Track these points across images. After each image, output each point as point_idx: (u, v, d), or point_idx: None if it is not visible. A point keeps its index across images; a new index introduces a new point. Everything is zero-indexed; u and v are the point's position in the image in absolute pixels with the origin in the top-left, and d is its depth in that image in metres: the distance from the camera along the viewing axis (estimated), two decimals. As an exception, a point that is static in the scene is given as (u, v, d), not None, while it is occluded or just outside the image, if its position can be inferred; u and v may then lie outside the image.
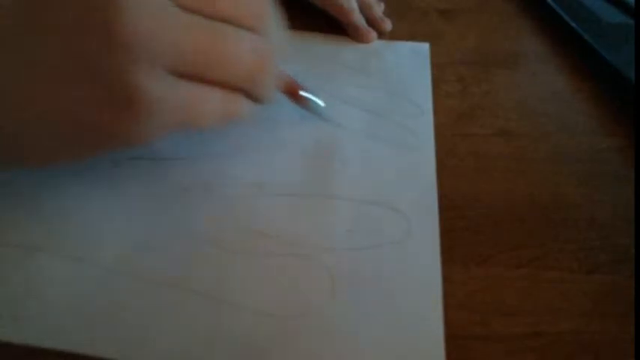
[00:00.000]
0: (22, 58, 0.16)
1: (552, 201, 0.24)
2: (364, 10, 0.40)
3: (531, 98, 0.32)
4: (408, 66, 0.35)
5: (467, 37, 0.40)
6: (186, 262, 0.20)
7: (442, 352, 0.17)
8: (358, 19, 0.38)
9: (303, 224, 0.22)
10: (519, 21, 0.44)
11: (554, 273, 0.20)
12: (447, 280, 0.20)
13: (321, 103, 0.27)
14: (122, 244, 0.20)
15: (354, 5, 0.39)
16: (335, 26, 0.39)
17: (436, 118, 0.29)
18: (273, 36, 0.20)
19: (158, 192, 0.23)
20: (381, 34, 0.39)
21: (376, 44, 0.38)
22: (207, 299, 0.18)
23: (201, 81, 0.18)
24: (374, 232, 0.21)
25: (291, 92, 0.26)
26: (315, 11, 0.39)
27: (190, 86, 0.18)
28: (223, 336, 0.17)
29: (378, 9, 0.41)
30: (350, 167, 0.25)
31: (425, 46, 0.38)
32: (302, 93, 0.26)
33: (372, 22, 0.39)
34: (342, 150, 0.26)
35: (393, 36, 0.39)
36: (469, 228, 0.22)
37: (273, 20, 0.20)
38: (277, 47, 0.21)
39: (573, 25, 0.38)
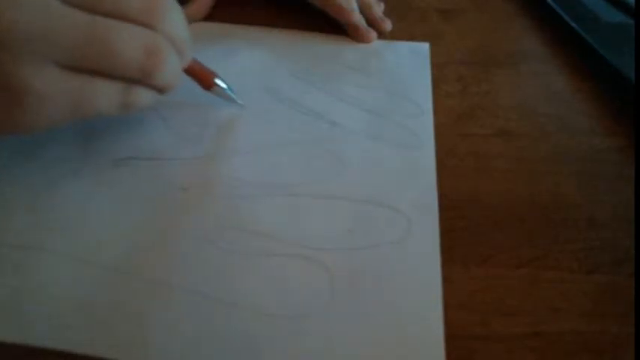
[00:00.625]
0: None
1: (552, 201, 0.24)
2: (364, 10, 0.40)
3: (531, 98, 0.32)
4: (408, 66, 0.35)
5: (467, 37, 0.40)
6: (186, 262, 0.20)
7: (442, 352, 0.17)
8: (358, 19, 0.38)
9: (303, 224, 0.22)
10: (519, 21, 0.44)
11: (554, 273, 0.20)
12: (447, 280, 0.20)
13: (231, 92, 0.28)
14: (122, 244, 0.20)
15: (354, 6, 0.39)
16: (335, 26, 0.39)
17: (436, 118, 0.29)
18: (170, 30, 0.20)
19: (158, 192, 0.23)
20: (381, 34, 0.39)
21: (376, 44, 0.38)
22: (207, 299, 0.18)
23: (93, 74, 0.19)
24: (374, 232, 0.21)
25: (205, 82, 0.27)
26: (315, 11, 0.39)
27: (82, 79, 0.18)
28: (223, 336, 0.17)
29: (378, 9, 0.41)
30: (350, 167, 0.25)
31: (425, 46, 0.38)
32: (216, 81, 0.27)
33: (372, 22, 0.39)
34: (342, 150, 0.26)
35: (393, 36, 0.39)
36: (469, 228, 0.22)
37: (171, 14, 0.20)
38: (177, 40, 0.21)
39: (573, 25, 0.38)
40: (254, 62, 0.34)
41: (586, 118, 0.30)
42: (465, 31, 0.41)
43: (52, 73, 0.18)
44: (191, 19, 0.39)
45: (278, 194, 0.23)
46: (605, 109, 0.31)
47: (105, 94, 0.19)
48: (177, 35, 0.21)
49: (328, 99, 0.31)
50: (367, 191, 0.24)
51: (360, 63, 0.35)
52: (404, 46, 0.38)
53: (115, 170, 0.24)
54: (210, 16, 0.40)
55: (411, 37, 0.39)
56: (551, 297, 0.19)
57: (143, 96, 0.21)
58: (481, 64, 0.36)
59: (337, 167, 0.25)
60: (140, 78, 0.20)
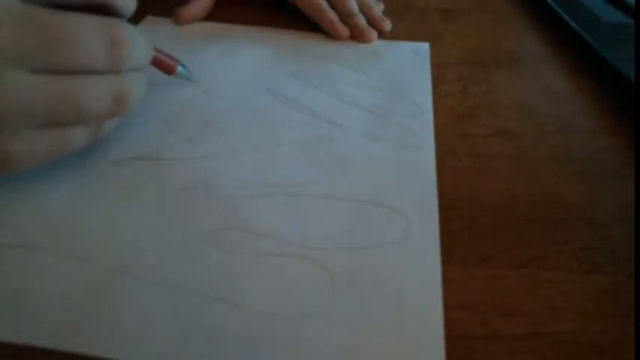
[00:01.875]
0: None
1: (552, 201, 0.24)
2: (364, 10, 0.40)
3: (531, 98, 0.32)
4: (408, 66, 0.35)
5: (467, 37, 0.40)
6: (186, 262, 0.20)
7: (442, 352, 0.17)
8: (360, 20, 0.38)
9: (303, 224, 0.22)
10: (519, 21, 0.44)
11: (554, 273, 0.20)
12: (447, 280, 0.20)
13: (190, 75, 0.30)
14: (122, 244, 0.20)
15: (355, 9, 0.39)
16: (335, 26, 0.39)
17: (436, 118, 0.29)
18: (134, 63, 0.21)
19: (158, 192, 0.23)
20: (381, 34, 0.39)
21: (376, 44, 0.38)
22: (207, 299, 0.18)
23: (67, 125, 0.20)
24: (374, 232, 0.21)
25: (167, 70, 0.29)
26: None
27: (56, 132, 0.20)
28: (223, 336, 0.17)
29: (378, 9, 0.41)
30: (350, 167, 0.25)
31: (425, 46, 0.38)
32: (178, 68, 0.29)
33: (371, 22, 0.39)
34: (342, 150, 0.26)
35: (393, 36, 0.39)
36: (469, 228, 0.22)
37: (133, 50, 0.21)
38: (142, 64, 0.23)
39: (573, 25, 0.38)
40: (254, 62, 0.34)
41: (586, 118, 0.30)
42: (465, 31, 0.41)
43: (28, 135, 0.19)
44: (191, 19, 0.39)
45: (278, 194, 0.23)
46: (605, 109, 0.31)
47: (77, 139, 0.21)
48: (141, 62, 0.22)
49: (328, 99, 0.31)
50: (367, 191, 0.24)
51: (360, 63, 0.35)
52: (404, 46, 0.38)
53: (115, 170, 0.24)
54: (210, 16, 0.40)
55: (411, 37, 0.39)
56: (551, 297, 0.19)
57: (110, 125, 0.23)
58: (481, 64, 0.36)
59: (337, 167, 0.25)
60: (110, 118, 0.22)
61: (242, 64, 0.34)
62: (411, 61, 0.35)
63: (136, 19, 0.39)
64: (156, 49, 0.27)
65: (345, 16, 0.38)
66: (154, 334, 0.17)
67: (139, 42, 0.21)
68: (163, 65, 0.28)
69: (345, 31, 0.38)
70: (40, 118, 0.19)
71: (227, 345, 0.17)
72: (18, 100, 0.18)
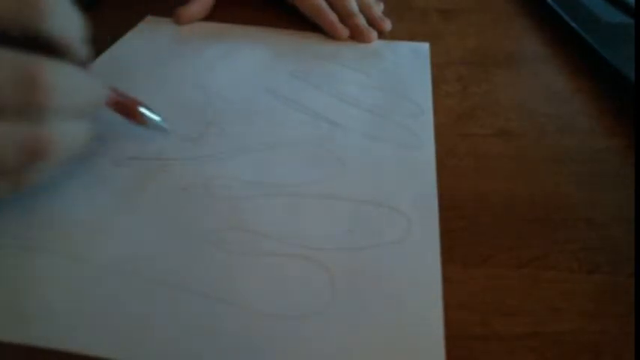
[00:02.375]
0: None
1: (552, 201, 0.24)
2: (364, 10, 0.40)
3: (531, 98, 0.32)
4: (408, 66, 0.35)
5: (467, 37, 0.40)
6: (186, 262, 0.20)
7: (442, 352, 0.17)
8: (360, 20, 0.38)
9: (303, 224, 0.22)
10: (519, 21, 0.44)
11: (554, 273, 0.20)
12: (447, 280, 0.20)
13: (157, 117, 0.26)
14: (122, 244, 0.20)
15: (355, 9, 0.39)
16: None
17: (436, 118, 0.29)
18: (63, 102, 0.18)
19: (158, 192, 0.23)
20: (381, 34, 0.39)
21: (376, 44, 0.38)
22: (207, 299, 0.18)
23: None
24: (374, 232, 0.21)
25: (128, 112, 0.25)
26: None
27: None
28: (223, 336, 0.17)
29: (378, 9, 0.41)
30: (350, 167, 0.25)
31: (425, 46, 0.38)
32: (141, 110, 0.25)
33: (371, 22, 0.39)
34: (342, 150, 0.26)
35: (393, 36, 0.39)
36: (469, 228, 0.22)
37: (60, 83, 0.18)
38: (77, 105, 0.19)
39: (573, 25, 0.38)
40: (254, 62, 0.34)
41: (586, 118, 0.30)
42: (465, 31, 0.41)
43: None
44: (191, 19, 0.39)
45: (278, 194, 0.23)
46: (605, 109, 0.31)
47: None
48: (77, 108, 0.19)
49: (328, 99, 0.31)
50: (367, 191, 0.24)
51: (360, 63, 0.35)
52: (404, 46, 0.38)
53: (115, 170, 0.24)
54: (210, 16, 0.40)
55: (411, 37, 0.39)
56: (551, 297, 0.19)
57: (37, 175, 0.19)
58: (481, 64, 0.36)
59: (337, 167, 0.25)
60: (25, 169, 0.18)
61: (242, 64, 0.34)
62: (411, 61, 0.35)
63: (136, 19, 0.39)
64: (117, 93, 0.24)
65: (345, 17, 0.38)
66: (154, 334, 0.17)
67: (75, 85, 0.19)
68: (124, 110, 0.25)
69: (345, 31, 0.38)
70: None
71: (227, 345, 0.17)
72: None
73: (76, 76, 0.19)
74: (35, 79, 0.17)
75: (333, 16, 0.38)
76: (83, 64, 0.21)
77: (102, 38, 0.31)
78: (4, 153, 0.17)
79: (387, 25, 0.39)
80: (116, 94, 0.24)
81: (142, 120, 0.25)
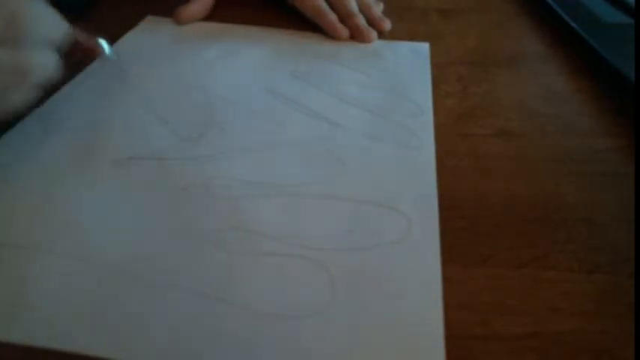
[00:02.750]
0: None
1: (552, 201, 0.24)
2: (363, 10, 0.40)
3: (531, 98, 0.32)
4: (408, 66, 0.35)
5: (467, 37, 0.40)
6: (186, 262, 0.20)
7: (442, 352, 0.17)
8: (360, 20, 0.38)
9: (303, 224, 0.22)
10: (519, 21, 0.44)
11: (554, 273, 0.20)
12: (447, 280, 0.20)
13: (107, 50, 0.30)
14: (122, 244, 0.20)
15: (355, 9, 0.39)
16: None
17: (436, 118, 0.29)
18: (36, 36, 0.22)
19: (158, 192, 0.23)
20: (381, 34, 0.39)
21: (376, 44, 0.38)
22: (207, 299, 0.18)
23: None
24: (374, 232, 0.21)
25: (91, 51, 0.29)
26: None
27: None
28: (223, 336, 0.17)
29: (377, 9, 0.41)
30: (350, 167, 0.25)
31: (425, 46, 0.38)
32: (101, 44, 0.30)
33: (371, 22, 0.39)
34: (342, 150, 0.26)
35: (393, 36, 0.39)
36: (469, 228, 0.22)
37: (29, 22, 0.21)
38: (48, 39, 0.23)
39: (573, 25, 0.38)
40: (254, 62, 0.34)
41: (586, 118, 0.30)
42: (465, 31, 0.41)
43: None
44: (191, 19, 0.39)
45: (278, 194, 0.23)
46: (605, 109, 0.31)
47: None
48: (46, 38, 0.23)
49: (328, 99, 0.31)
50: (367, 191, 0.24)
51: (360, 63, 0.35)
52: (404, 46, 0.38)
53: (115, 170, 0.24)
54: (210, 16, 0.40)
55: (411, 37, 0.39)
56: (551, 297, 0.19)
57: (17, 97, 0.23)
58: (481, 64, 0.36)
59: (337, 167, 0.25)
60: (9, 90, 0.22)
61: (242, 64, 0.34)
62: (411, 61, 0.35)
63: (136, 19, 0.39)
64: (75, 32, 0.27)
65: (345, 17, 0.38)
66: (154, 334, 0.17)
67: (45, 19, 0.23)
68: (85, 47, 0.29)
69: (344, 31, 0.38)
70: None
71: (227, 345, 0.17)
72: None
73: (49, 13, 0.23)
74: (17, 13, 0.21)
75: (332, 16, 0.38)
76: None
77: (102, 38, 0.31)
78: None
79: (387, 25, 0.39)
80: (75, 37, 0.27)
81: (98, 51, 0.30)
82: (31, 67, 0.22)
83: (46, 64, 0.23)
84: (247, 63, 0.34)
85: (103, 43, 0.29)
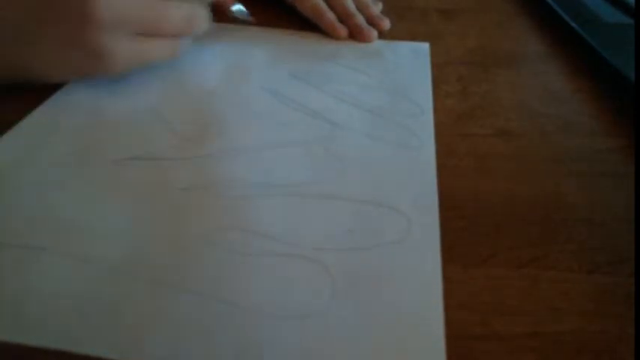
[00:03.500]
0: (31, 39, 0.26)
1: (552, 201, 0.24)
2: (361, 9, 0.40)
3: (531, 98, 0.32)
4: (408, 66, 0.35)
5: (467, 37, 0.40)
6: (186, 262, 0.20)
7: (442, 352, 0.17)
8: (359, 19, 0.38)
9: (303, 224, 0.22)
10: (519, 21, 0.44)
11: (554, 273, 0.20)
12: (447, 280, 0.20)
13: (244, 9, 0.37)
14: (122, 244, 0.20)
15: (354, 9, 0.39)
16: (335, 26, 0.39)
17: (436, 118, 0.29)
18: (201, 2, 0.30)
19: (158, 192, 0.23)
20: (381, 34, 0.39)
21: (376, 44, 0.38)
22: (207, 299, 0.18)
23: (151, 36, 0.28)
24: (374, 232, 0.21)
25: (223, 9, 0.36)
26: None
27: (143, 40, 0.28)
28: (223, 336, 0.17)
29: (375, 8, 0.41)
30: (350, 167, 0.25)
31: (425, 46, 0.38)
32: (233, 8, 0.37)
33: (370, 21, 0.39)
34: (342, 150, 0.26)
35: (393, 36, 0.39)
36: (469, 228, 0.22)
37: None
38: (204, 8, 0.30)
39: (573, 25, 0.38)
40: (254, 62, 0.34)
41: (586, 118, 0.30)
42: (465, 31, 0.41)
43: (123, 38, 0.26)
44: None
45: (278, 194, 0.23)
46: (605, 109, 0.31)
47: (157, 49, 0.29)
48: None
49: (328, 99, 0.31)
50: (367, 191, 0.24)
51: (360, 63, 0.35)
52: (404, 46, 0.38)
53: (115, 170, 0.24)
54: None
55: (412, 37, 0.39)
56: (551, 297, 0.19)
57: (182, 45, 0.30)
58: (481, 64, 0.36)
59: (337, 167, 0.25)
60: (181, 34, 0.30)
61: (242, 64, 0.34)
62: (411, 61, 0.35)
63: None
64: None
65: (344, 17, 0.38)
66: (153, 334, 0.17)
67: None
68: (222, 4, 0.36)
69: (344, 30, 0.38)
70: (134, 25, 0.27)
71: (227, 345, 0.17)
72: (118, 8, 0.25)
73: None
74: None
75: (331, 16, 0.38)
76: None
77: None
78: (177, 20, 0.28)
79: (386, 24, 0.39)
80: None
81: (235, 13, 0.37)
82: (198, 18, 0.29)
83: (205, 16, 0.30)
84: (247, 63, 0.34)
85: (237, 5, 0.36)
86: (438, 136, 0.28)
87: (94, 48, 0.26)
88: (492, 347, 0.18)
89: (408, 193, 0.24)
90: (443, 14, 0.44)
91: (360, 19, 0.38)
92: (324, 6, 0.38)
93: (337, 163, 0.25)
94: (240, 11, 0.36)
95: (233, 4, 0.36)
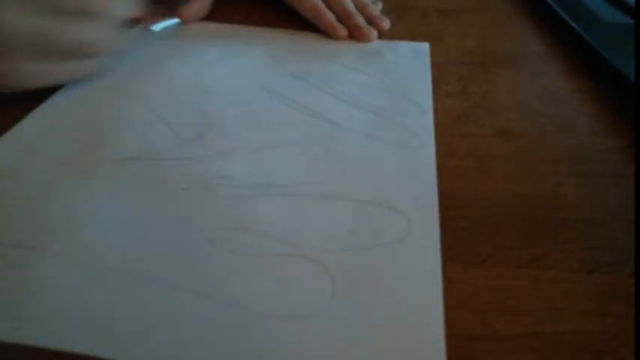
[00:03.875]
0: None
1: (552, 201, 0.24)
2: (361, 9, 0.40)
3: (531, 98, 0.32)
4: (408, 66, 0.35)
5: (467, 37, 0.40)
6: (186, 262, 0.20)
7: (442, 352, 0.17)
8: (359, 19, 0.38)
9: (303, 224, 0.22)
10: (519, 21, 0.44)
11: (554, 273, 0.20)
12: (447, 280, 0.20)
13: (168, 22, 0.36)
14: (122, 244, 0.20)
15: (353, 9, 0.39)
16: (335, 26, 0.39)
17: (436, 118, 0.29)
18: (113, 13, 0.28)
19: (158, 192, 0.23)
20: (381, 33, 0.39)
21: (376, 44, 0.38)
22: (207, 299, 0.18)
23: (47, 59, 0.26)
24: (374, 232, 0.21)
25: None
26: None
27: (46, 65, 0.26)
28: (223, 336, 0.17)
29: (375, 8, 0.41)
30: (350, 167, 0.25)
31: (425, 46, 0.38)
32: (155, 29, 0.34)
33: (370, 21, 0.39)
34: (342, 150, 0.26)
35: (393, 36, 0.39)
36: (469, 228, 0.22)
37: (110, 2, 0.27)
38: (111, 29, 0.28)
39: (573, 25, 0.38)
40: (254, 62, 0.34)
41: (586, 118, 0.30)
42: (465, 31, 0.41)
43: (19, 61, 0.25)
44: (191, 19, 0.39)
45: (278, 194, 0.23)
46: (605, 109, 0.31)
47: (65, 72, 0.27)
48: (118, 13, 0.28)
49: (328, 99, 0.31)
50: (367, 191, 0.24)
51: (360, 63, 0.35)
52: (404, 46, 0.38)
53: (115, 170, 0.24)
54: (210, 16, 0.40)
55: (412, 37, 0.39)
56: (551, 297, 0.19)
57: (92, 67, 0.29)
58: (481, 64, 0.36)
59: (337, 167, 0.25)
60: (87, 57, 0.28)
61: (242, 64, 0.34)
62: (411, 61, 0.35)
63: (135, 18, 0.39)
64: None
65: (344, 17, 0.38)
66: (153, 334, 0.17)
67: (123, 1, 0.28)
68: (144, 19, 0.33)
69: (343, 30, 0.38)
70: (25, 49, 0.25)
71: (227, 345, 0.17)
72: (11, 34, 0.24)
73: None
74: None
75: (330, 16, 0.38)
76: None
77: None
78: (62, 45, 0.26)
79: (386, 23, 0.39)
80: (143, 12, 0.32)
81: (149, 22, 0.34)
82: (104, 42, 0.27)
83: (115, 39, 0.28)
84: (247, 63, 0.34)
85: (162, 23, 0.34)
86: (438, 136, 0.28)
87: None
88: (492, 347, 0.18)
89: (408, 193, 0.24)
90: (443, 14, 0.44)
91: (360, 19, 0.38)
92: (323, 6, 0.38)
93: (337, 163, 0.25)
94: (166, 26, 0.35)
95: (154, 23, 0.34)
